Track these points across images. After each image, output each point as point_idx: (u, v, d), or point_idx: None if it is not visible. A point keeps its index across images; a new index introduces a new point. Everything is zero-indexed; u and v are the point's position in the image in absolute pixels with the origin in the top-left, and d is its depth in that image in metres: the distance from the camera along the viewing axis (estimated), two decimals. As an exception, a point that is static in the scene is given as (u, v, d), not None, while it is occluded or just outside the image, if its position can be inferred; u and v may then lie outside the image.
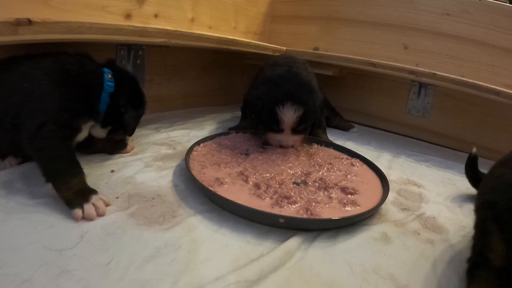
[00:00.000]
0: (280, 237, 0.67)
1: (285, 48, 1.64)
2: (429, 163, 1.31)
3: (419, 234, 0.79)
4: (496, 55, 1.60)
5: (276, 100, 1.00)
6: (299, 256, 0.63)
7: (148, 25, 1.08)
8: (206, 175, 0.82)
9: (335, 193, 0.82)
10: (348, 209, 0.77)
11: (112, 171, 0.88)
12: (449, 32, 1.68)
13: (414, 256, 0.70)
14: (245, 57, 1.68)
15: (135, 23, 1.23)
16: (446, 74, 1.45)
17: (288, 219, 0.67)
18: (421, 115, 1.73)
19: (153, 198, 0.77)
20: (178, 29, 1.17)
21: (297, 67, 1.10)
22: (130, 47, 1.25)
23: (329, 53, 1.63)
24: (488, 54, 1.61)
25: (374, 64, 1.51)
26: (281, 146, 1.05)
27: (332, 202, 0.78)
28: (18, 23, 0.79)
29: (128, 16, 1.23)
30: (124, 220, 0.68)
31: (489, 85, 1.37)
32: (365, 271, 0.63)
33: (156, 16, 1.33)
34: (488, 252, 0.64)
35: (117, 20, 1.18)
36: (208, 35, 1.23)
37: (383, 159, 1.27)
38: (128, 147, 0.98)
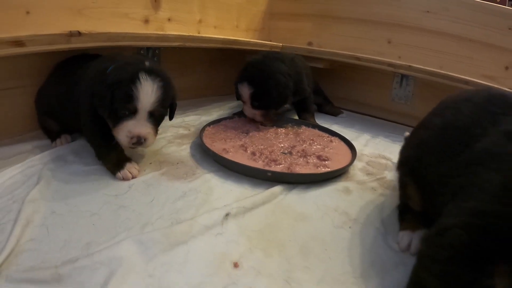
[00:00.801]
0: (268, 186, 1.00)
1: (281, 44, 1.95)
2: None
3: (375, 190, 1.11)
4: (473, 49, 1.86)
5: (239, 81, 1.39)
6: (281, 198, 0.96)
7: (165, 31, 1.40)
8: (215, 146, 1.15)
9: (312, 160, 1.14)
10: (321, 170, 1.09)
11: (143, 147, 1.20)
12: (430, 28, 1.97)
13: (366, 203, 1.02)
14: (247, 53, 2.00)
15: (152, 26, 1.54)
16: (420, 66, 1.75)
17: (274, 173, 1.00)
18: (403, 102, 2.03)
19: (177, 163, 1.10)
20: (188, 29, 1.49)
21: (271, 59, 1.44)
22: (149, 48, 1.57)
23: (319, 49, 1.95)
24: (466, 47, 1.88)
25: (358, 58, 1.81)
26: (248, 117, 1.43)
27: (308, 165, 1.10)
28: (71, 35, 1.10)
29: (146, 21, 1.55)
30: (158, 177, 1.01)
31: (458, 75, 1.65)
32: (327, 208, 0.95)
33: (169, 20, 1.64)
34: (407, 200, 0.86)
35: (138, 25, 1.49)
36: (215, 37, 1.55)
37: (361, 139, 1.59)
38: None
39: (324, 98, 2.02)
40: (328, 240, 0.81)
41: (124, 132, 0.91)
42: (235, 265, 0.69)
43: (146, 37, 1.30)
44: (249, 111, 1.40)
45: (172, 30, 1.58)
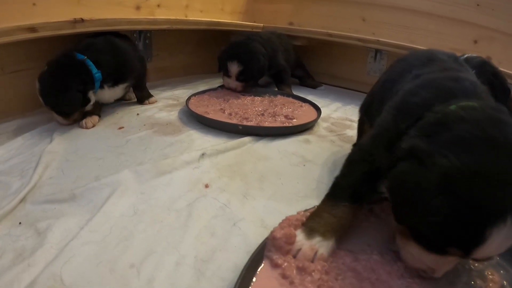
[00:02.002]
0: (239, 137, 1.24)
1: (262, 25, 2.18)
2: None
3: (334, 142, 1.35)
4: (442, 24, 2.04)
5: (228, 58, 1.67)
6: (249, 145, 1.21)
7: (155, 16, 1.63)
8: (198, 110, 1.39)
9: (280, 118, 1.38)
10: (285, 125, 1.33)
11: (138, 114, 1.45)
12: (401, 5, 2.16)
13: (323, 150, 1.26)
14: (231, 33, 2.23)
15: (144, 12, 1.77)
16: (388, 40, 1.97)
17: (244, 126, 1.25)
18: (378, 75, 2.24)
19: (167, 124, 1.34)
20: (176, 14, 1.72)
21: (252, 40, 1.70)
22: (141, 31, 1.80)
23: (296, 27, 2.17)
24: (435, 23, 2.06)
25: (330, 35, 2.04)
26: (229, 88, 1.71)
27: (276, 122, 1.35)
28: (75, 21, 1.34)
29: (138, 7, 1.77)
30: (151, 133, 1.26)
31: (421, 47, 1.86)
32: (287, 152, 1.19)
33: (159, 6, 1.86)
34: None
35: (130, 11, 1.71)
36: (200, 20, 1.78)
37: (332, 106, 1.82)
38: (152, 99, 1.56)
39: (305, 72, 2.26)
40: (283, 173, 1.06)
41: None
42: (206, 186, 0.94)
43: (139, 22, 1.54)
44: (233, 83, 1.69)
45: (161, 15, 1.81)
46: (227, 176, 1.00)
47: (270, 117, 1.38)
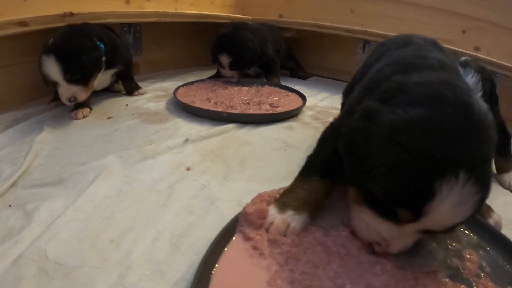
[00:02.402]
0: (224, 125, 1.28)
1: (251, 17, 2.21)
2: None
3: (317, 129, 1.38)
4: (430, 15, 2.05)
5: (218, 52, 1.74)
6: (233, 132, 1.25)
7: (144, 9, 1.67)
8: (185, 99, 1.43)
9: (264, 106, 1.42)
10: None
11: (126, 105, 1.49)
12: (389, -3, 2.19)
13: (306, 136, 1.29)
14: (221, 26, 2.26)
15: (133, 6, 1.80)
16: (375, 31, 2.00)
17: (228, 114, 1.29)
18: (367, 66, 2.28)
19: (154, 113, 1.38)
20: (165, 7, 1.76)
21: (240, 29, 1.75)
22: (130, 24, 1.83)
23: (284, 19, 2.20)
24: (423, 14, 2.07)
25: (318, 26, 2.07)
26: (225, 76, 1.80)
27: (260, 110, 1.38)
28: (65, 15, 1.38)
29: (127, 1, 1.80)
30: (138, 122, 1.29)
31: (394, 35, 1.87)
32: (269, 138, 1.23)
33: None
34: None
35: (120, 5, 1.75)
36: (188, 12, 1.82)
37: (320, 96, 1.86)
38: (141, 91, 1.60)
39: (296, 63, 2.30)
40: (264, 157, 1.10)
41: None
42: (188, 168, 0.98)
43: (127, 15, 1.57)
44: (229, 73, 1.79)
45: (151, 8, 1.84)
46: (209, 160, 1.04)
47: (255, 105, 1.42)
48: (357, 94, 0.80)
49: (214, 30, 2.14)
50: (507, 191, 1.05)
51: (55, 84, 1.24)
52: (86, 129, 1.22)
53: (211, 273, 0.58)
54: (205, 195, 0.87)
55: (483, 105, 0.59)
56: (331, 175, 0.75)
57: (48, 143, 1.11)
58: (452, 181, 0.51)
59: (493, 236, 0.75)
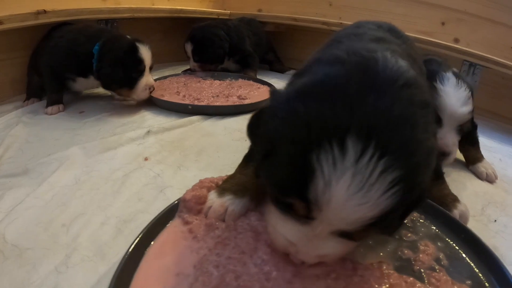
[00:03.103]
0: (189, 117, 1.33)
1: (229, 11, 2.25)
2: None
3: (282, 120, 1.44)
4: (408, 7, 2.07)
5: (185, 41, 1.87)
6: (196, 124, 1.30)
7: (120, 5, 1.71)
8: (155, 93, 1.48)
9: (232, 99, 1.47)
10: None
11: (101, 99, 1.54)
12: (367, -11, 2.21)
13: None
14: (198, 21, 2.29)
15: (111, 2, 1.84)
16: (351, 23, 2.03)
17: (193, 106, 1.34)
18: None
19: (124, 107, 1.44)
20: (143, 2, 1.80)
21: (212, 26, 1.85)
22: (107, 21, 1.87)
23: (264, 13, 2.24)
24: (402, 6, 2.09)
25: (295, 19, 2.11)
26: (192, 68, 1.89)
27: (227, 102, 1.43)
28: (38, 13, 1.42)
29: (104, -3, 1.84)
30: (107, 116, 1.35)
31: None
32: (232, 129, 1.28)
33: (125, -4, 1.94)
34: None
35: (96, 1, 1.79)
36: (163, 8, 1.86)
37: (293, 88, 1.90)
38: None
39: (275, 57, 2.35)
40: (223, 147, 1.15)
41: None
42: (145, 159, 1.04)
43: (100, 11, 1.62)
44: (192, 64, 1.86)
45: (127, 4, 1.87)
46: (167, 150, 1.09)
47: (224, 98, 1.47)
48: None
49: (190, 26, 2.19)
50: (477, 181, 1.07)
51: None
52: (57, 123, 1.28)
53: (143, 253, 0.63)
54: (157, 183, 0.92)
55: (393, 60, 0.48)
56: None
57: (20, 137, 1.16)
58: (334, 151, 0.40)
59: (454, 227, 0.73)
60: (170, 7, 1.92)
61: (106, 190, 0.89)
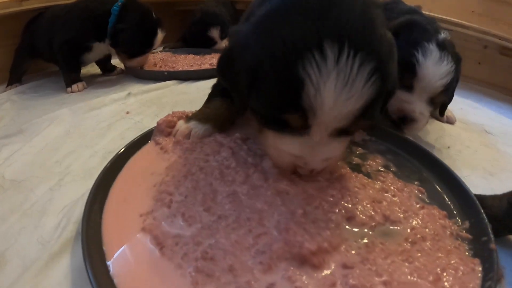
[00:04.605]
0: (165, 82, 1.43)
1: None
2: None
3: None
4: None
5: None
6: (172, 87, 1.40)
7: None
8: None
9: (205, 66, 1.57)
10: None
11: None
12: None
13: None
14: (175, 4, 2.37)
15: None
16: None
17: (169, 72, 1.44)
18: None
19: (108, 80, 1.52)
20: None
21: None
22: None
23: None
24: None
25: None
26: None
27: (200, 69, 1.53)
28: (21, 0, 1.49)
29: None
30: (90, 88, 1.43)
31: None
32: (204, 88, 1.29)
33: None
34: None
35: None
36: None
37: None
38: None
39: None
40: (195, 101, 1.20)
41: None
42: (127, 112, 1.13)
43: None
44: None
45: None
46: (145, 106, 1.19)
47: (197, 66, 1.56)
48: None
49: (169, 9, 2.26)
50: (435, 122, 1.16)
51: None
52: (44, 98, 1.35)
53: (123, 164, 0.73)
54: (138, 127, 1.02)
55: None
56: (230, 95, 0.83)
57: (11, 110, 1.24)
58: (316, 58, 0.44)
59: (402, 143, 0.81)
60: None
61: (93, 136, 0.99)
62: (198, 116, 0.82)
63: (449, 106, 1.28)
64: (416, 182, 0.70)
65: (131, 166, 0.72)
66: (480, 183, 0.82)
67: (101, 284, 0.45)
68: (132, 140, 0.79)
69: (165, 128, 0.82)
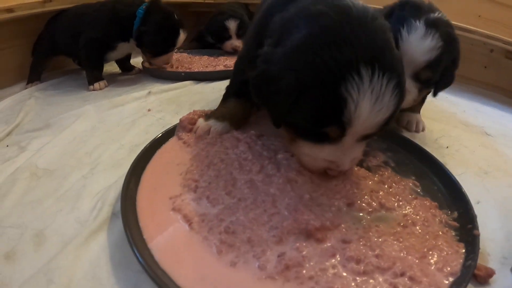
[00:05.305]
0: (182, 82, 1.56)
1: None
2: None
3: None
4: None
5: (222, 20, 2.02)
6: (189, 86, 1.52)
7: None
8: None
9: (219, 67, 1.70)
10: (223, 71, 1.65)
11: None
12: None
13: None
14: (189, 6, 2.50)
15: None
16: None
17: (186, 73, 1.57)
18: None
19: (127, 79, 1.66)
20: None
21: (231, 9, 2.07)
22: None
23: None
24: None
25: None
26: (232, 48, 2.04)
27: (215, 70, 1.66)
28: (45, 1, 1.64)
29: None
30: (111, 87, 1.57)
31: None
32: (220, 89, 1.43)
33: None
34: None
35: None
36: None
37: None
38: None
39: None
40: (212, 101, 1.36)
41: None
42: (148, 110, 1.26)
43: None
44: (234, 42, 2.04)
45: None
46: (165, 104, 1.32)
47: (212, 67, 1.69)
48: (252, 33, 0.92)
49: (183, 10, 2.39)
50: (428, 120, 1.24)
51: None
52: (67, 95, 1.49)
53: (152, 155, 0.85)
54: (160, 124, 1.15)
55: (358, 4, 0.63)
56: (245, 95, 0.91)
57: (36, 106, 1.36)
58: (356, 80, 0.55)
59: (402, 142, 0.92)
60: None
61: (118, 130, 1.11)
62: (216, 115, 0.94)
63: (452, 109, 1.38)
64: (412, 177, 0.80)
65: (158, 158, 0.85)
66: (474, 180, 0.91)
67: (143, 254, 0.57)
68: (157, 135, 0.92)
69: (187, 124, 0.94)
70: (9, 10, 1.51)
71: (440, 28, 0.91)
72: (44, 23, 1.67)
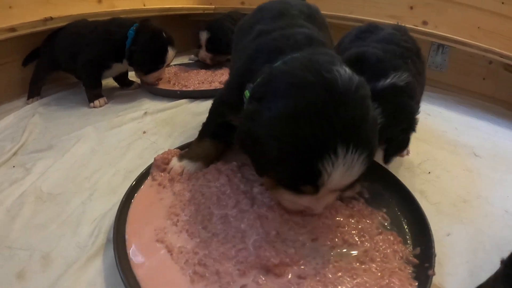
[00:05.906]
0: (178, 100, 1.69)
1: (213, 6, 2.58)
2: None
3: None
4: None
5: (198, 30, 2.13)
6: (185, 105, 1.65)
7: (115, 8, 2.06)
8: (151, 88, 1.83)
9: (215, 84, 1.82)
10: (218, 89, 1.77)
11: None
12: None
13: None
14: (188, 16, 2.63)
15: (105, 5, 2.10)
16: (326, 12, 2.33)
17: (181, 91, 1.70)
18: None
19: (126, 95, 1.80)
20: (134, 5, 2.14)
21: (224, 19, 2.15)
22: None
23: (247, 6, 2.56)
24: None
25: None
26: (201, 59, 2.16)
27: (210, 87, 1.78)
28: (46, 20, 1.77)
29: (99, 1, 2.14)
30: (111, 104, 1.71)
31: (365, 17, 2.10)
32: None
33: (119, -2, 2.27)
34: None
35: (93, 5, 2.04)
36: (153, 7, 2.20)
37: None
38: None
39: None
40: (202, 120, 1.49)
41: None
42: (144, 132, 1.39)
43: (99, 14, 1.96)
44: (203, 54, 2.12)
45: (121, 6, 2.21)
46: (161, 126, 1.45)
47: (207, 84, 1.82)
48: (236, 79, 0.95)
49: (181, 20, 2.52)
50: (420, 143, 1.33)
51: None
52: (69, 111, 1.63)
53: (131, 201, 0.93)
54: (153, 147, 1.28)
55: (345, 73, 0.68)
56: (219, 137, 1.03)
57: (39, 124, 1.50)
58: (332, 158, 0.62)
59: (379, 171, 0.96)
60: (159, 6, 2.26)
61: (115, 154, 1.25)
62: (190, 155, 1.02)
63: (443, 126, 1.47)
64: (384, 210, 0.87)
65: (141, 196, 0.94)
66: (450, 210, 0.98)
67: (128, 278, 0.70)
68: (138, 175, 1.00)
69: (161, 164, 1.01)
70: (12, 29, 1.63)
71: (388, 98, 0.90)
72: (42, 39, 1.79)
